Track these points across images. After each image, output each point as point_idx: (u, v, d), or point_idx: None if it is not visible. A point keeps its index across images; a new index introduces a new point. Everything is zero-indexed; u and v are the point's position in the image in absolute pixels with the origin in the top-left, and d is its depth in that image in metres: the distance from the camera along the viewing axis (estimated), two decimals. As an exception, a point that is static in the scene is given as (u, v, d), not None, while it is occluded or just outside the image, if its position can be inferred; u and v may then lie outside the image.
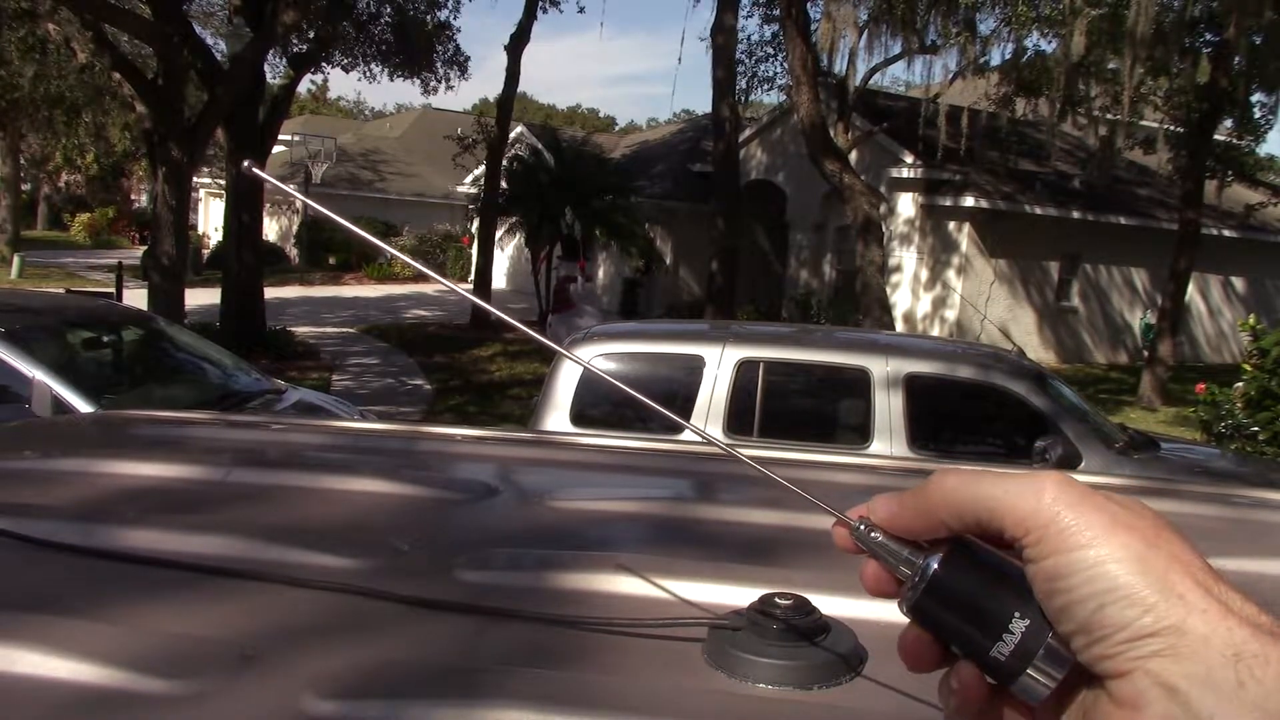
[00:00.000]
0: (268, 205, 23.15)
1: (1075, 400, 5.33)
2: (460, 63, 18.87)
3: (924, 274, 18.09)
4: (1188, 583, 0.38)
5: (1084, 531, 0.39)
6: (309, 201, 0.66)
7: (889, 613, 0.54)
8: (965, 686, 0.43)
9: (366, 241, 0.68)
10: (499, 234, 18.91)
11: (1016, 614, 0.40)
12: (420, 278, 28.07)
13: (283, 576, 0.87)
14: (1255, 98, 15.82)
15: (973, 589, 0.42)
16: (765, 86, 20.35)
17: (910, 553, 0.44)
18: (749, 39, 19.52)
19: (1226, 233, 19.54)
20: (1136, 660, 0.36)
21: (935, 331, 17.72)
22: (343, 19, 15.82)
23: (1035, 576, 0.40)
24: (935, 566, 0.42)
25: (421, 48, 17.93)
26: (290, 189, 0.74)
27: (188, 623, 0.79)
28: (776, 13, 15.75)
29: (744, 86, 19.09)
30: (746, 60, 19.31)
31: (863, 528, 0.45)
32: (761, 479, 0.52)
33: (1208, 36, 13.88)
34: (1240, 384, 8.57)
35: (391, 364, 14.28)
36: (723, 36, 14.83)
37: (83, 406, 4.63)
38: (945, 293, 17.82)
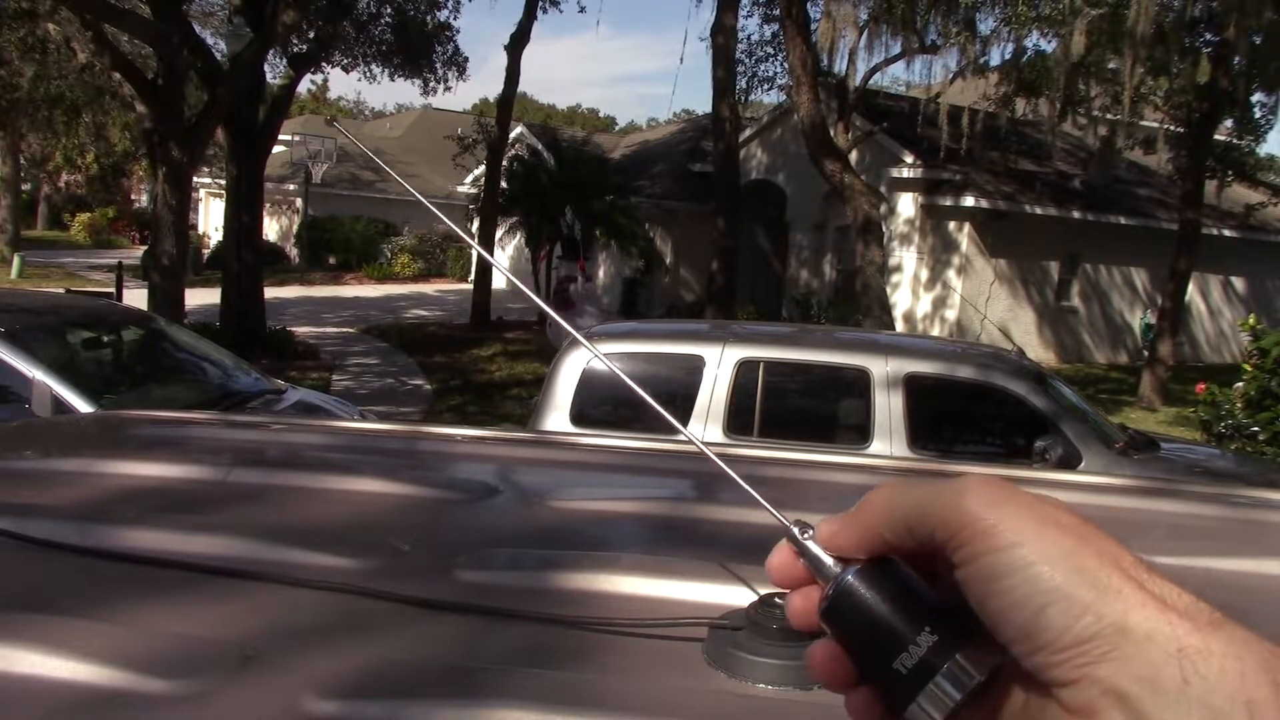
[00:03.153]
0: (268, 205, 23.14)
1: (1075, 400, 5.33)
2: (460, 63, 18.87)
3: (924, 274, 18.09)
4: (1121, 577, 0.37)
5: (1010, 531, 0.38)
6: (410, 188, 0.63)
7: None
8: (857, 710, 0.43)
9: (466, 243, 0.64)
10: (499, 234, 18.92)
11: (927, 628, 0.40)
12: (420, 277, 28.09)
13: (283, 576, 0.87)
14: (1255, 98, 15.84)
15: (881, 602, 0.41)
16: (765, 86, 20.37)
17: (835, 562, 0.44)
18: (749, 39, 19.54)
19: (1226, 233, 19.54)
20: (1083, 667, 0.36)
21: (935, 331, 17.72)
22: (343, 19, 15.82)
23: (967, 580, 0.39)
24: (850, 576, 0.42)
25: (421, 48, 17.93)
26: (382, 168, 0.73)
27: (188, 623, 0.79)
28: (776, 13, 15.75)
29: (744, 86, 19.11)
30: (746, 60, 19.32)
31: (798, 531, 0.45)
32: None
33: (1208, 36, 13.87)
34: (1240, 384, 8.58)
35: (391, 364, 14.28)
36: (723, 36, 14.83)
37: (83, 406, 4.63)
38: (945, 293, 17.82)
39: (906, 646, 0.40)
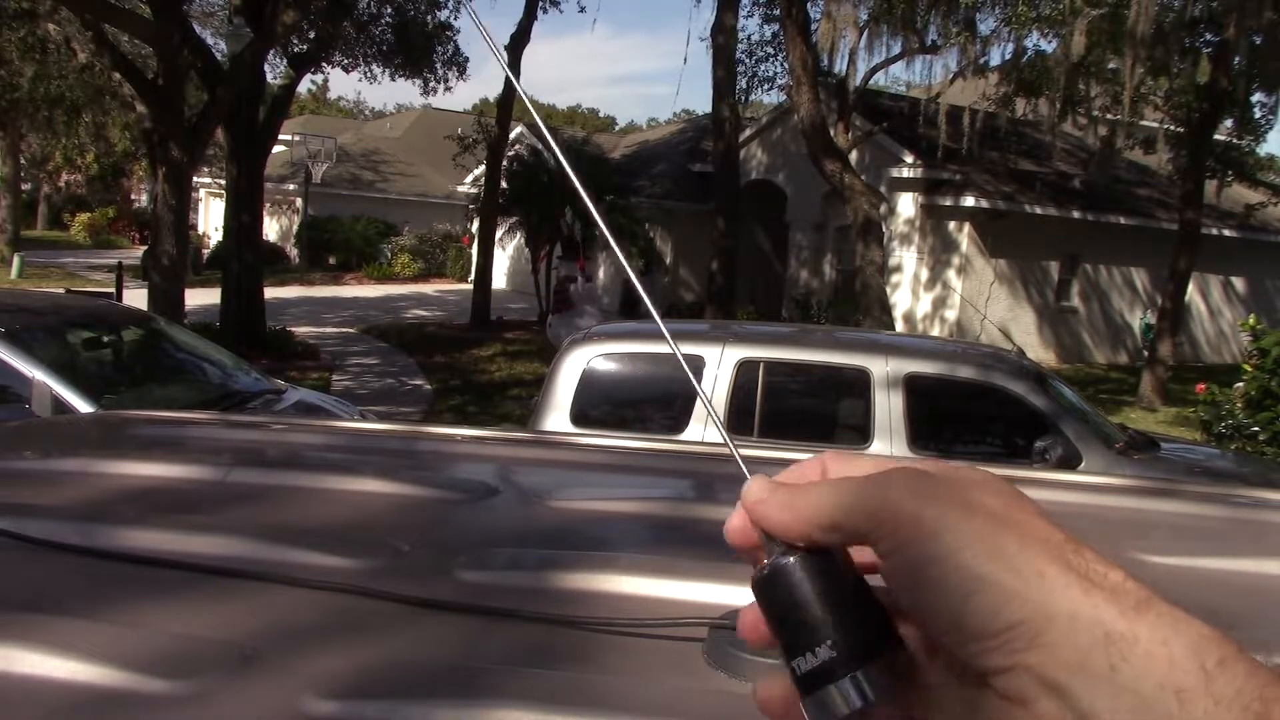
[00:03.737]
0: (268, 205, 23.14)
1: (1075, 400, 5.33)
2: (460, 63, 18.88)
3: (924, 274, 18.09)
4: (1045, 559, 0.36)
5: (933, 520, 0.37)
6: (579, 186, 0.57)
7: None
8: (768, 692, 0.43)
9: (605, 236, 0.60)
10: (499, 234, 18.92)
11: (829, 641, 0.39)
12: (420, 278, 28.09)
13: (283, 576, 0.87)
14: (1255, 98, 15.84)
15: (800, 599, 0.41)
16: (765, 86, 20.38)
17: (781, 541, 0.43)
18: (749, 39, 19.55)
19: (1226, 233, 19.54)
20: (1013, 655, 0.35)
21: (935, 331, 17.72)
22: (343, 19, 15.82)
23: (893, 573, 0.39)
24: (790, 560, 0.42)
25: (421, 48, 17.93)
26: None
27: (188, 623, 0.79)
28: (776, 13, 15.75)
29: (744, 86, 19.11)
30: (746, 60, 19.33)
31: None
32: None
33: (1208, 36, 13.87)
34: (1240, 384, 8.58)
35: (391, 364, 14.28)
36: (723, 36, 14.83)
37: (83, 406, 4.63)
38: (945, 293, 17.82)
39: (805, 651, 0.40)
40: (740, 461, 0.47)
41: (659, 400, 5.10)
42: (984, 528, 0.37)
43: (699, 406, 4.77)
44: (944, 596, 0.37)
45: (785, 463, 0.48)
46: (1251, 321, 8.82)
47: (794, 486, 0.43)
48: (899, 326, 15.42)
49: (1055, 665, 0.34)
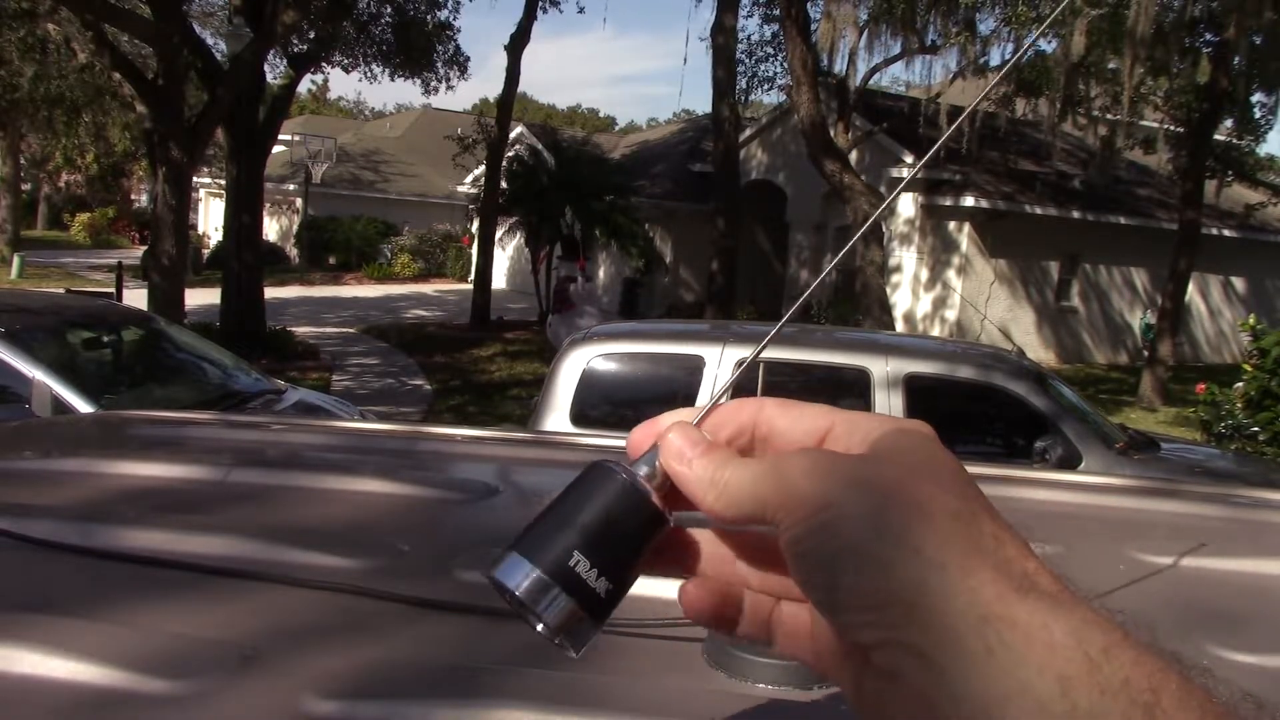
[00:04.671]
0: (268, 205, 23.14)
1: (1075, 400, 5.33)
2: (460, 63, 18.87)
3: (924, 274, 18.09)
4: (926, 534, 0.34)
5: (821, 495, 0.37)
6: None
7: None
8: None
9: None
10: (499, 234, 18.92)
11: (577, 549, 0.41)
12: (420, 278, 28.09)
13: (283, 576, 0.87)
14: (1255, 98, 15.85)
15: (602, 512, 0.41)
16: (765, 86, 20.37)
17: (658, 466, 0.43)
18: (749, 39, 19.55)
19: (1226, 233, 19.54)
20: (886, 630, 0.34)
21: (935, 332, 17.72)
22: (343, 19, 15.82)
23: (785, 550, 0.38)
24: (625, 474, 0.42)
25: (422, 48, 17.93)
26: None
27: (188, 623, 0.79)
28: (776, 13, 15.75)
29: (744, 86, 19.11)
30: (746, 60, 19.32)
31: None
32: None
33: (1208, 36, 13.88)
34: (1240, 384, 8.58)
35: (391, 364, 14.28)
36: (723, 36, 14.83)
37: (83, 406, 4.63)
38: (945, 293, 17.82)
39: (567, 554, 0.41)
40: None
41: (659, 400, 5.10)
42: (869, 500, 0.36)
43: (699, 407, 4.76)
44: (819, 568, 0.36)
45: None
46: (1251, 321, 8.82)
47: (717, 457, 0.42)
48: (899, 326, 15.41)
49: (928, 643, 0.33)
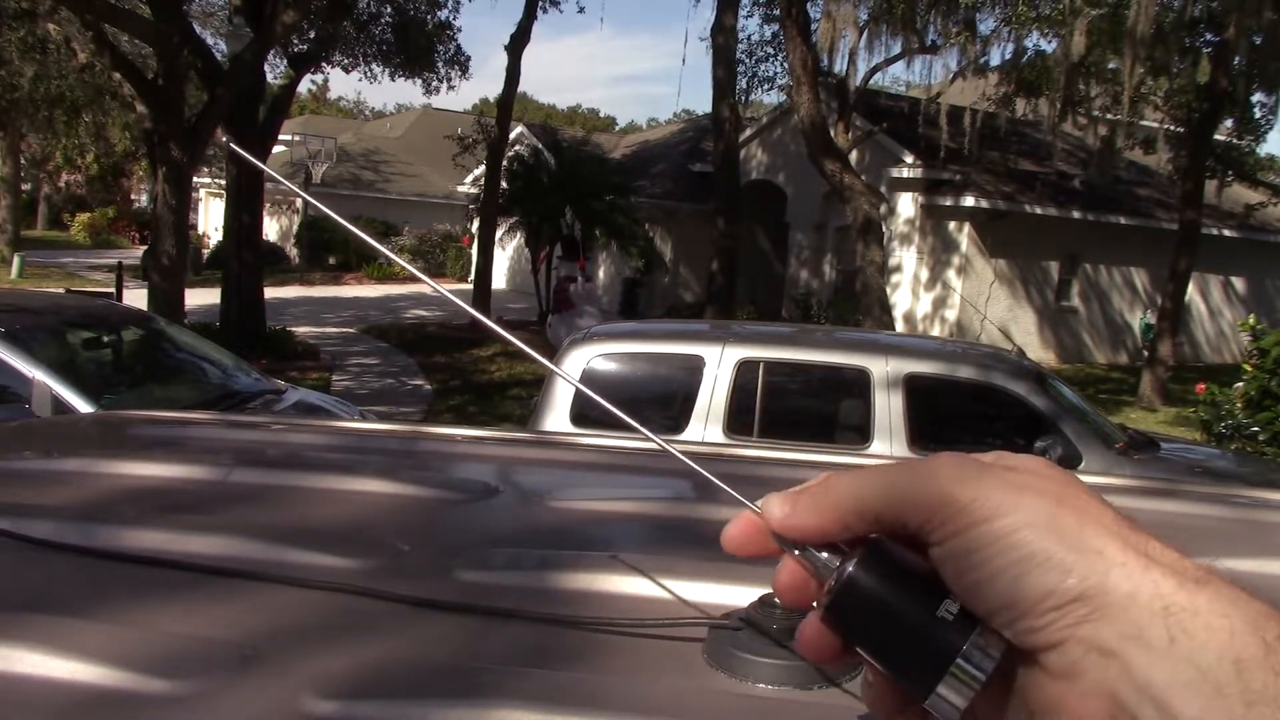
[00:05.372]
0: (268, 205, 23.15)
1: (1075, 400, 5.33)
2: (461, 63, 18.88)
3: (924, 274, 18.09)
4: (1103, 537, 0.36)
5: (987, 504, 0.37)
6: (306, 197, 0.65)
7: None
8: (875, 700, 0.42)
9: (365, 243, 0.67)
10: (499, 234, 18.91)
11: (950, 596, 0.39)
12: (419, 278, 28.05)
13: (283, 576, 0.87)
14: (1255, 98, 15.86)
15: (893, 587, 0.40)
16: (765, 86, 20.38)
17: (829, 557, 0.42)
18: (749, 39, 19.55)
19: (1226, 233, 19.54)
20: (1066, 628, 0.35)
21: (935, 332, 17.72)
22: (343, 19, 15.82)
23: (943, 559, 0.38)
24: (851, 567, 0.41)
25: (422, 48, 17.93)
26: (291, 185, 0.74)
27: (188, 623, 0.79)
28: (776, 13, 15.75)
29: (744, 86, 19.11)
30: (746, 60, 19.33)
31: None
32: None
33: (1208, 36, 13.88)
34: (1240, 384, 8.57)
35: (391, 364, 14.28)
36: (723, 36, 14.83)
37: (83, 406, 4.63)
38: (945, 293, 17.82)
39: (925, 634, 0.39)
40: (741, 498, 0.47)
41: (659, 400, 5.10)
42: (1040, 506, 0.37)
43: (699, 407, 4.77)
44: (998, 575, 0.37)
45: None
46: (1251, 321, 8.82)
47: (813, 489, 0.43)
48: (899, 326, 15.42)
49: (1111, 635, 0.35)
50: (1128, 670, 0.34)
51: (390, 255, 0.71)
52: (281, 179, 0.71)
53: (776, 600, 0.75)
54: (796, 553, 0.44)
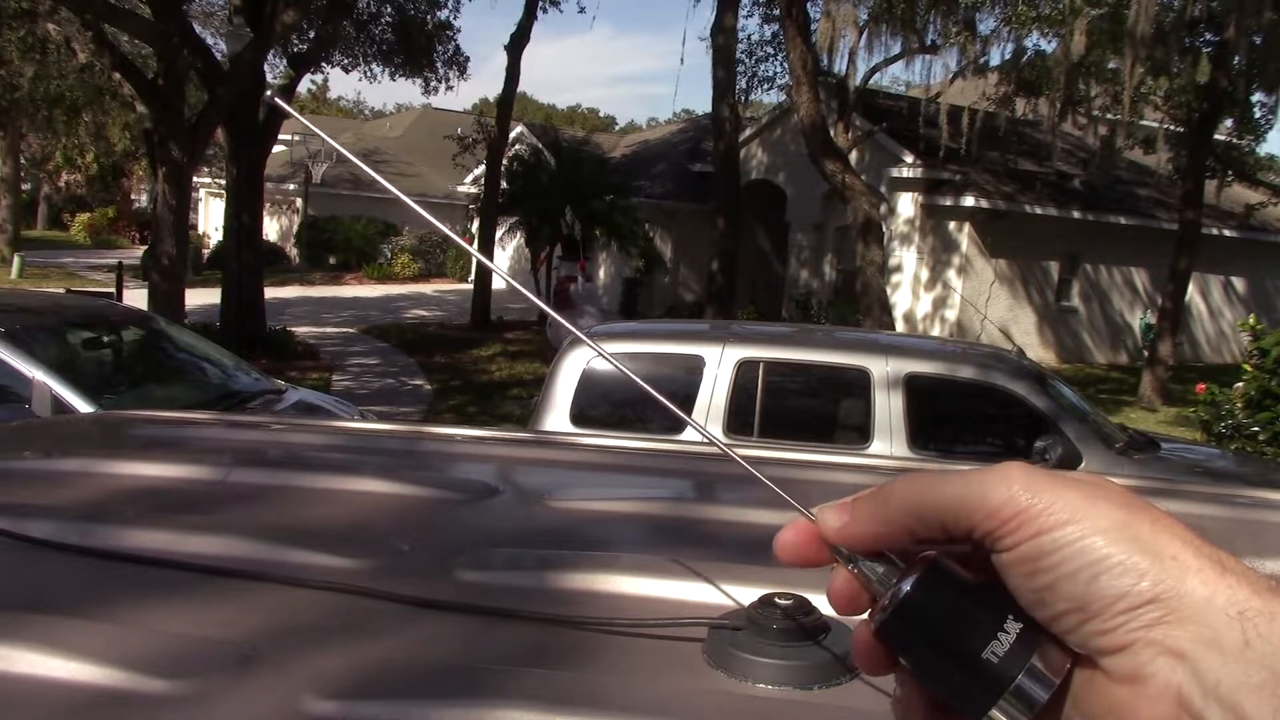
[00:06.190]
0: (268, 205, 23.14)
1: (1075, 400, 5.33)
2: (460, 63, 18.88)
3: (924, 274, 18.08)
4: (1177, 544, 0.37)
5: (1061, 510, 0.38)
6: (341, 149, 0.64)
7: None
8: (909, 703, 0.42)
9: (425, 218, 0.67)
10: (499, 234, 18.92)
11: (1010, 616, 0.38)
12: (420, 278, 28.09)
13: (283, 576, 0.87)
14: (1255, 98, 15.85)
15: (950, 606, 0.40)
16: (765, 86, 20.37)
17: (885, 570, 0.42)
18: (749, 39, 19.54)
19: (1226, 233, 19.54)
20: (1137, 630, 0.35)
21: (935, 332, 17.71)
22: (343, 19, 15.82)
23: (1011, 563, 0.38)
24: (908, 585, 0.40)
25: (422, 48, 17.93)
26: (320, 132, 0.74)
27: (188, 623, 0.79)
28: (776, 13, 15.74)
29: (744, 86, 19.11)
30: (746, 60, 19.32)
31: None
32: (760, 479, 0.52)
33: (1208, 36, 13.87)
34: (1240, 384, 8.57)
35: (392, 364, 14.28)
36: (723, 36, 14.83)
37: (83, 406, 4.63)
38: (945, 293, 17.82)
39: (981, 659, 0.38)
40: (798, 505, 0.46)
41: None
42: (1113, 514, 0.38)
43: (699, 407, 4.77)
44: (1069, 578, 0.37)
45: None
46: (1251, 321, 8.81)
47: (869, 497, 0.43)
48: (899, 326, 15.41)
49: (1184, 638, 0.35)
50: (1197, 673, 0.34)
51: (453, 237, 0.72)
52: (318, 130, 0.72)
53: (777, 600, 0.75)
54: (851, 567, 0.43)
